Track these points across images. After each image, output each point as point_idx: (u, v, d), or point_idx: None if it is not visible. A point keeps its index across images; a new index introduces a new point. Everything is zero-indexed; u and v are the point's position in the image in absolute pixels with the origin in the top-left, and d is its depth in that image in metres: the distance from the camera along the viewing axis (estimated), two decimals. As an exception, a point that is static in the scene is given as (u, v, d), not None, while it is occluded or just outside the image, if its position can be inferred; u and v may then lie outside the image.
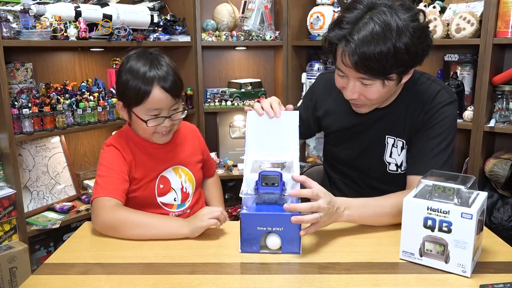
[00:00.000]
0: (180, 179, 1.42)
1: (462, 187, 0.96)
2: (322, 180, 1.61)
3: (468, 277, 0.95)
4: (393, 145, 1.32)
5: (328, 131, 1.44)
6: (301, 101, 1.55)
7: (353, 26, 1.09)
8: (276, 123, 1.17)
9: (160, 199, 1.39)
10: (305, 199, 1.07)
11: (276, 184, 1.06)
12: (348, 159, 1.42)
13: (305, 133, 1.51)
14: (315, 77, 2.60)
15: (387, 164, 1.34)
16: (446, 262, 0.97)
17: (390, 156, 1.33)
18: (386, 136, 1.32)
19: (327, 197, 1.07)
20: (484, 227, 1.12)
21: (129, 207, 1.27)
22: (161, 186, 1.39)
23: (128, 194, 1.32)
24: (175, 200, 1.41)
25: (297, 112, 1.19)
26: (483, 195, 1.00)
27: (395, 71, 1.13)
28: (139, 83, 1.24)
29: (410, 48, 1.09)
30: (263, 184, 1.06)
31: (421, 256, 1.00)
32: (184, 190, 1.43)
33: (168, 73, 1.28)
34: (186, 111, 1.37)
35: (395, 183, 1.32)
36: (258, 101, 1.35)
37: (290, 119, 1.18)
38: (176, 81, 1.30)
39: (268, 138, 1.15)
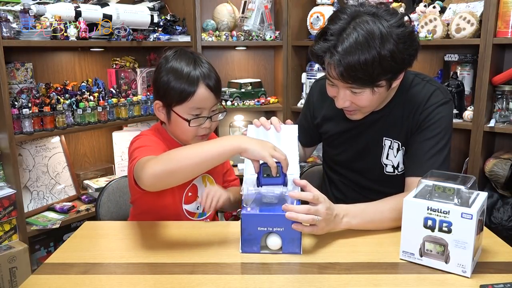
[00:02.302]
0: (205, 188, 1.38)
1: (462, 187, 0.96)
2: (322, 180, 1.61)
3: (468, 277, 0.95)
4: (389, 147, 1.33)
5: (327, 136, 1.45)
6: (301, 111, 1.57)
7: (338, 37, 1.09)
8: (276, 137, 1.17)
9: (185, 207, 1.35)
10: (304, 203, 1.07)
11: (278, 175, 1.05)
12: (346, 161, 1.42)
13: (309, 141, 1.53)
14: (315, 77, 2.61)
15: (384, 166, 1.34)
16: (446, 262, 0.97)
17: (387, 158, 1.34)
18: (383, 138, 1.33)
19: (326, 203, 1.07)
20: (484, 227, 1.12)
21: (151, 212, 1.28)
22: (190, 194, 1.35)
23: (154, 199, 1.27)
24: (197, 209, 1.38)
25: (296, 126, 1.19)
26: (483, 195, 1.00)
27: (383, 78, 1.12)
28: (183, 82, 1.22)
29: (396, 54, 1.08)
30: (265, 175, 1.06)
31: (421, 256, 1.00)
32: None
33: (211, 71, 1.27)
34: (225, 112, 1.34)
35: (393, 184, 1.32)
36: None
37: (289, 132, 1.18)
38: (218, 79, 1.28)
39: None
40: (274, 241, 1.05)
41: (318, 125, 1.46)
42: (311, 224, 1.05)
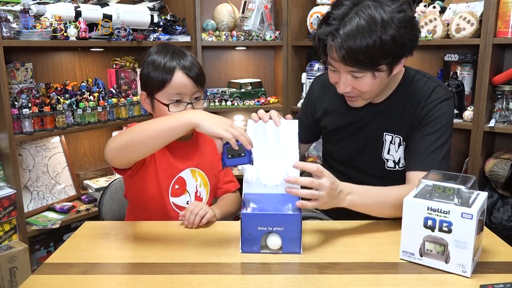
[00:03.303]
0: (196, 183, 1.40)
1: (462, 187, 0.96)
2: None
3: (468, 277, 0.95)
4: (390, 142, 1.33)
5: (326, 131, 1.45)
6: (300, 108, 1.57)
7: (340, 22, 1.11)
8: (276, 132, 1.17)
9: (172, 200, 1.36)
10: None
11: (243, 154, 1.04)
12: (346, 158, 1.42)
13: (308, 137, 1.53)
14: (315, 77, 2.61)
15: (385, 161, 1.35)
16: (446, 262, 0.97)
17: (388, 153, 1.34)
18: (384, 133, 1.33)
19: (331, 177, 1.07)
20: (484, 227, 1.12)
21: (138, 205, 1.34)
22: (176, 186, 1.36)
23: (140, 190, 1.32)
24: (187, 204, 1.38)
25: (296, 121, 1.19)
26: (483, 195, 1.00)
27: (384, 63, 1.14)
28: (161, 70, 1.28)
29: (397, 39, 1.11)
30: (229, 156, 1.05)
31: (421, 256, 1.00)
32: (198, 194, 1.40)
33: (192, 63, 1.31)
34: (209, 101, 1.37)
35: (393, 180, 1.32)
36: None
37: (289, 128, 1.17)
38: (199, 70, 1.32)
39: (268, 146, 1.14)
40: (274, 241, 1.05)
41: (318, 119, 1.46)
42: (314, 199, 1.05)
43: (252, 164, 1.06)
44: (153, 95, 1.30)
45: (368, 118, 1.34)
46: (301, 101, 2.73)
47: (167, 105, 1.27)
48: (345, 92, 1.23)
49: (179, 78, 1.27)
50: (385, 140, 1.33)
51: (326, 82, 1.34)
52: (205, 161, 1.42)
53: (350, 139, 1.39)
